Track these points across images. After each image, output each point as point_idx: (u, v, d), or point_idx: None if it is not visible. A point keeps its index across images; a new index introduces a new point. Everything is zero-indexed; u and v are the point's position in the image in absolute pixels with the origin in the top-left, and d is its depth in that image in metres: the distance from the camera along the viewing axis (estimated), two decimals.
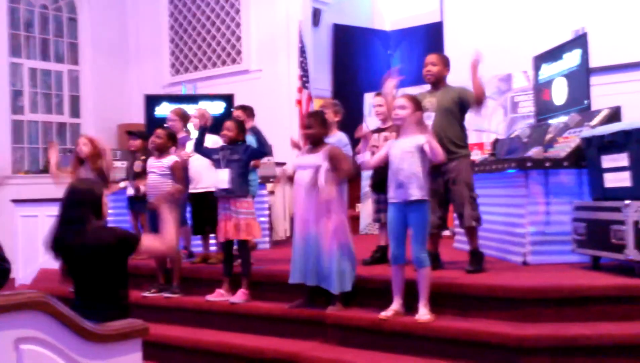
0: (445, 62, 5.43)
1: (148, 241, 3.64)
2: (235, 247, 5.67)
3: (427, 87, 5.52)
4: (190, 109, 7.33)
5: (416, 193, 4.52)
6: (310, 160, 5.02)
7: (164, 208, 3.76)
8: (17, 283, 7.82)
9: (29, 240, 7.99)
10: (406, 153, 4.56)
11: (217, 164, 5.63)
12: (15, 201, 8.32)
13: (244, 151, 5.57)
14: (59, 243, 3.53)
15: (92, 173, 6.39)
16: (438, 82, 5.39)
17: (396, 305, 4.69)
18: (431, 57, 5.47)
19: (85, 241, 3.40)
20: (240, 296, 5.55)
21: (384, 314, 4.67)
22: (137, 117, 10.19)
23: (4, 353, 2.31)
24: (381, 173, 5.44)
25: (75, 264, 3.49)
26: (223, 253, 5.74)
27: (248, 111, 6.51)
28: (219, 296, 5.67)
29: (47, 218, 7.72)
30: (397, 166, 4.60)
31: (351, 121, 6.51)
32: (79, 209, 3.47)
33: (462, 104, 5.29)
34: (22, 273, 7.93)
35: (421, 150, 4.55)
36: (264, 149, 5.73)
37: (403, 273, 4.70)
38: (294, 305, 5.21)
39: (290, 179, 5.22)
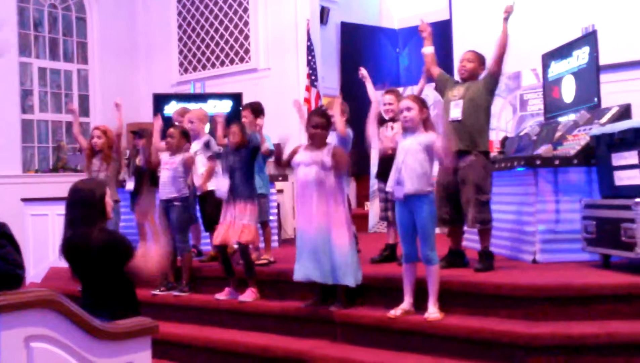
0: (482, 61, 5.46)
1: (138, 261, 3.49)
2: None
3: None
4: (197, 107, 7.33)
5: (415, 186, 4.51)
6: (315, 157, 5.01)
7: (150, 228, 3.74)
8: (28, 282, 7.85)
9: (38, 239, 8.03)
10: (412, 151, 4.57)
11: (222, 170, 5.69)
12: (25, 200, 8.36)
13: (245, 156, 5.58)
14: (65, 244, 3.55)
15: (105, 164, 6.37)
16: (470, 78, 5.44)
17: (406, 304, 4.70)
18: (468, 54, 5.51)
19: (88, 243, 3.39)
20: (249, 295, 5.56)
21: (393, 313, 4.67)
22: (146, 116, 10.21)
23: (14, 351, 2.32)
24: (388, 160, 5.45)
25: (80, 265, 3.49)
26: (219, 256, 5.73)
27: (255, 109, 6.45)
28: (227, 294, 5.68)
29: (57, 216, 7.76)
30: (400, 163, 4.61)
31: (359, 119, 6.48)
32: (81, 211, 3.47)
33: (488, 86, 5.30)
34: (33, 271, 7.96)
35: (427, 148, 4.56)
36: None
37: (414, 272, 4.70)
38: (308, 304, 5.20)
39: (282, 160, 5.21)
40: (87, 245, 3.39)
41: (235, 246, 5.63)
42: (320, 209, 4.93)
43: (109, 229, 3.62)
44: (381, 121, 5.92)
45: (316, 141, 5.05)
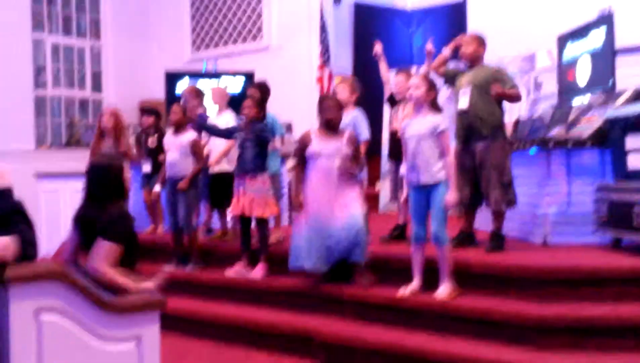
0: (480, 42, 5.42)
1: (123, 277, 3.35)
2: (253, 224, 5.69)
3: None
4: (210, 85, 7.32)
5: (434, 176, 4.56)
6: (330, 146, 5.01)
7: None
8: (40, 257, 7.91)
9: (51, 214, 8.08)
10: (422, 137, 4.58)
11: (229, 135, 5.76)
12: (38, 175, 8.40)
13: (258, 131, 5.57)
14: (80, 218, 3.57)
15: (113, 147, 6.43)
16: (474, 62, 5.40)
17: (415, 283, 4.71)
18: (465, 38, 5.51)
19: (99, 218, 3.40)
20: (258, 272, 5.58)
21: (402, 291, 4.68)
22: (159, 93, 10.21)
23: (24, 323, 2.34)
24: (398, 142, 5.45)
25: (90, 239, 3.50)
26: (240, 228, 5.75)
27: (262, 89, 6.34)
28: (237, 271, 5.71)
29: (69, 192, 7.80)
30: (414, 149, 4.62)
31: (371, 99, 6.48)
32: (99, 186, 3.48)
33: (497, 80, 5.25)
34: (45, 246, 8.01)
35: (434, 131, 4.55)
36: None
37: (423, 252, 4.71)
38: (317, 282, 5.21)
39: None
40: (98, 219, 3.39)
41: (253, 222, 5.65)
42: (334, 196, 4.96)
43: (123, 208, 3.62)
44: (392, 102, 5.89)
45: (332, 129, 5.05)
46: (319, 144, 5.05)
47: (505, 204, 5.18)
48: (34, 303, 2.36)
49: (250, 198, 5.51)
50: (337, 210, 4.96)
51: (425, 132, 4.58)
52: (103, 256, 3.30)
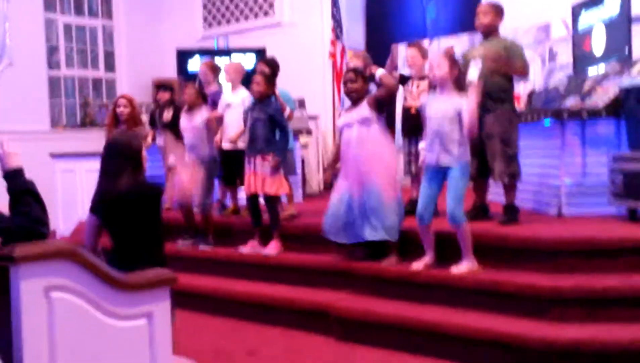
0: (498, 12, 5.28)
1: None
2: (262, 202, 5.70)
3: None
4: (222, 62, 7.28)
5: (456, 159, 4.47)
6: (354, 115, 5.00)
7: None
8: (58, 236, 7.99)
9: (67, 193, 8.13)
10: (447, 118, 4.47)
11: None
12: (53, 155, 8.45)
13: (268, 110, 5.55)
14: (98, 195, 3.56)
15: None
16: (489, 33, 5.29)
17: (428, 257, 4.70)
18: (482, 7, 5.35)
19: (120, 193, 3.40)
20: (273, 249, 5.60)
21: (416, 265, 4.67)
22: (171, 71, 10.20)
23: (35, 300, 2.36)
24: (411, 119, 5.40)
25: (110, 216, 3.51)
26: (249, 206, 5.76)
27: (272, 65, 6.21)
28: (251, 247, 5.73)
29: (85, 171, 7.84)
30: (437, 128, 4.51)
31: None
32: (116, 162, 3.48)
33: (509, 58, 5.16)
34: (62, 226, 8.09)
35: (459, 115, 4.46)
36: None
37: (429, 231, 4.69)
38: (341, 258, 5.19)
39: None
40: (118, 194, 3.39)
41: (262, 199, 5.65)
42: (364, 166, 4.90)
43: (138, 178, 3.63)
44: (403, 81, 5.81)
45: (354, 99, 5.03)
46: (344, 118, 5.09)
47: (508, 177, 5.11)
48: (44, 282, 2.37)
49: (261, 176, 5.51)
50: (363, 184, 4.90)
51: (448, 113, 4.46)
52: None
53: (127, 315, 2.63)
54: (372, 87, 5.40)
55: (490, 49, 5.16)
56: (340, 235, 5.05)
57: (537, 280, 4.22)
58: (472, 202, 5.43)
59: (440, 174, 4.56)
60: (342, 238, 5.06)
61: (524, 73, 5.27)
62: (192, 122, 6.15)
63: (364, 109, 4.95)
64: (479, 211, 5.38)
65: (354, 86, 5.02)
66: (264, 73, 5.75)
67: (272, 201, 5.61)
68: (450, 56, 4.63)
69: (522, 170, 5.21)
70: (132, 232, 3.46)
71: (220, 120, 6.35)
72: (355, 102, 5.05)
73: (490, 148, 5.11)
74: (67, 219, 8.04)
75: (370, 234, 4.88)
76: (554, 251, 4.40)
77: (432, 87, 4.74)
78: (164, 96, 7.20)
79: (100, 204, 3.54)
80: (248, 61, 9.18)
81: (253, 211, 5.72)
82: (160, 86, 7.45)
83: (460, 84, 4.56)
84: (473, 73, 5.17)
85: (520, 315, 4.14)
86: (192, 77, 7.50)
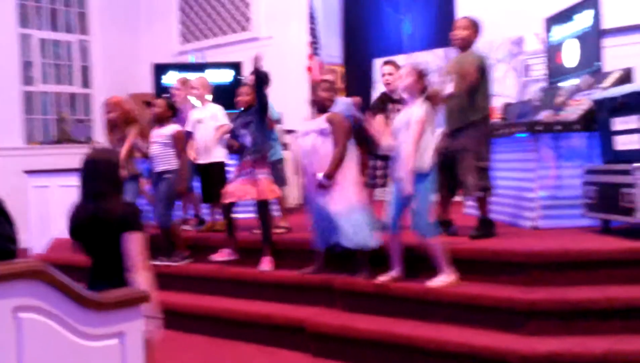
0: (476, 27, 5.28)
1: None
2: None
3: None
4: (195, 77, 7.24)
5: (417, 168, 4.46)
6: (312, 125, 5.06)
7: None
8: (33, 253, 7.88)
9: (41, 210, 8.05)
10: (401, 129, 4.52)
11: (234, 133, 5.65)
12: (27, 171, 8.37)
13: (255, 112, 5.55)
14: (75, 215, 3.49)
15: (124, 139, 6.28)
16: (465, 47, 5.28)
17: (395, 271, 4.71)
18: (461, 21, 5.34)
19: (111, 216, 3.34)
20: (267, 264, 5.49)
21: (381, 279, 4.67)
22: (148, 86, 10.16)
23: (2, 322, 2.31)
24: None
25: (97, 238, 3.45)
26: (224, 214, 5.73)
27: (263, 76, 6.33)
28: (226, 255, 5.69)
29: (59, 188, 7.78)
30: (400, 140, 4.55)
31: (361, 87, 6.43)
32: (95, 182, 3.41)
33: (482, 71, 5.18)
34: (36, 243, 7.99)
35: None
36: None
37: (399, 241, 4.69)
38: (308, 271, 5.20)
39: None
40: (110, 217, 3.33)
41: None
42: (316, 176, 4.93)
43: (127, 201, 3.57)
44: (383, 102, 5.80)
45: (317, 109, 5.06)
46: (303, 125, 5.09)
47: (477, 190, 5.13)
48: (12, 302, 2.32)
49: (252, 181, 5.43)
50: (323, 193, 4.93)
51: (404, 124, 4.52)
52: (139, 249, 3.28)
53: (98, 335, 2.59)
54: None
55: (462, 64, 5.17)
56: (321, 241, 5.10)
57: (512, 293, 4.23)
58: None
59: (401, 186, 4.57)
60: (323, 243, 5.09)
61: (460, 90, 5.12)
62: (160, 135, 6.11)
63: (324, 123, 4.99)
64: (442, 226, 5.32)
65: (323, 94, 5.04)
66: (250, 84, 5.77)
67: (264, 208, 5.48)
68: (418, 69, 4.64)
69: (494, 183, 5.23)
70: (108, 253, 3.41)
71: (188, 135, 6.33)
72: (320, 112, 5.08)
73: (461, 163, 5.12)
74: (41, 236, 7.95)
75: (343, 239, 4.90)
76: (529, 264, 4.41)
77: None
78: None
79: (88, 226, 3.45)
80: (224, 76, 9.18)
81: (229, 220, 5.70)
82: (148, 103, 7.38)
83: (427, 97, 4.58)
84: (448, 88, 5.21)
85: (496, 328, 4.14)
86: (168, 90, 7.45)
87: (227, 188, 5.60)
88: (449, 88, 5.22)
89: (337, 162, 4.91)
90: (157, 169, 6.10)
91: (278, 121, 6.28)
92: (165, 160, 6.04)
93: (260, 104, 5.53)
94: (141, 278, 3.22)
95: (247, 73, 8.26)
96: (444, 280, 4.49)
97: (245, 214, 6.34)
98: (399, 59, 6.83)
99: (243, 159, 5.55)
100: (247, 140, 5.51)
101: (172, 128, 6.09)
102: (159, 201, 6.02)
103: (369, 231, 4.87)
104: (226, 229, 5.77)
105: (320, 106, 5.09)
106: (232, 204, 5.60)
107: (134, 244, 3.27)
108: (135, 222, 3.33)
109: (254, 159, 5.48)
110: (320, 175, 4.87)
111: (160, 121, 6.15)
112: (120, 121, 6.30)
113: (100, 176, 3.38)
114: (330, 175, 4.87)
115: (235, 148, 5.68)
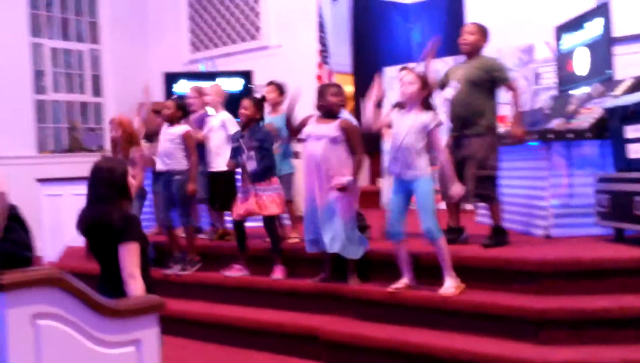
0: (484, 33, 5.31)
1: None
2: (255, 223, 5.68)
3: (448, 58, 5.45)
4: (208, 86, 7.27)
5: (419, 171, 4.52)
6: (323, 130, 5.01)
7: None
8: (45, 261, 7.92)
9: (54, 219, 8.09)
10: (412, 132, 4.52)
11: (236, 151, 5.62)
12: (40, 180, 8.41)
13: (261, 138, 5.53)
14: (83, 222, 3.54)
15: (126, 158, 6.33)
16: (473, 53, 5.30)
17: (406, 278, 4.71)
18: (469, 27, 5.37)
19: (109, 222, 3.38)
20: (279, 273, 5.52)
21: (394, 287, 4.67)
22: (159, 95, 10.20)
23: (21, 329, 2.33)
24: None
25: (99, 243, 3.49)
26: (235, 230, 5.71)
27: (280, 87, 6.42)
28: (236, 271, 5.70)
29: (71, 196, 7.81)
30: (400, 142, 4.56)
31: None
32: (101, 189, 3.46)
33: (493, 80, 5.20)
34: (48, 251, 8.03)
35: (425, 129, 4.52)
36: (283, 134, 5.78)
37: (405, 248, 4.71)
38: (317, 280, 5.21)
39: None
40: (108, 223, 3.37)
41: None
42: (325, 183, 4.94)
43: (129, 212, 3.59)
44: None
45: (327, 115, 5.04)
46: (312, 127, 5.08)
47: (478, 198, 5.12)
48: (30, 309, 2.35)
49: (260, 198, 5.46)
50: (322, 198, 4.95)
51: (415, 128, 4.52)
52: (133, 260, 3.29)
53: (115, 342, 2.61)
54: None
55: (472, 70, 5.19)
56: (311, 245, 5.11)
57: (524, 302, 4.22)
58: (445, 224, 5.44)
59: (404, 186, 4.60)
60: (312, 248, 5.11)
61: (511, 86, 5.28)
62: (170, 134, 6.12)
63: (335, 130, 4.97)
64: (453, 234, 5.34)
65: (332, 99, 5.04)
66: (254, 98, 5.78)
67: (271, 222, 5.52)
68: (423, 76, 4.66)
69: (499, 193, 5.22)
70: (116, 260, 3.43)
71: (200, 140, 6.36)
72: (327, 116, 5.06)
73: (466, 171, 5.12)
74: (54, 244, 7.99)
75: (331, 244, 4.92)
76: (542, 273, 4.40)
77: (399, 105, 4.80)
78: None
79: (89, 231, 3.51)
80: (235, 84, 9.22)
81: (240, 236, 5.68)
82: (158, 111, 7.41)
83: (428, 103, 4.62)
84: (448, 93, 5.24)
85: (508, 337, 4.13)
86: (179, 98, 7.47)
87: (235, 203, 5.64)
88: (448, 93, 5.24)
89: (359, 167, 5.00)
90: (166, 168, 6.08)
91: (284, 138, 6.30)
92: (174, 160, 6.03)
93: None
94: (134, 289, 3.23)
95: (256, 82, 8.34)
96: (452, 284, 4.50)
97: (256, 223, 6.34)
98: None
99: (251, 181, 5.52)
100: (251, 164, 5.48)
101: (182, 128, 6.08)
102: (175, 203, 6.00)
103: (356, 245, 4.99)
104: (237, 244, 5.75)
105: (328, 111, 5.07)
106: (242, 220, 5.61)
107: (128, 255, 3.29)
108: (132, 232, 3.36)
109: (263, 181, 5.49)
110: (343, 179, 4.87)
111: (171, 121, 6.15)
112: (123, 141, 6.36)
113: (102, 182, 3.44)
114: (354, 180, 4.93)
115: (232, 168, 5.77)
